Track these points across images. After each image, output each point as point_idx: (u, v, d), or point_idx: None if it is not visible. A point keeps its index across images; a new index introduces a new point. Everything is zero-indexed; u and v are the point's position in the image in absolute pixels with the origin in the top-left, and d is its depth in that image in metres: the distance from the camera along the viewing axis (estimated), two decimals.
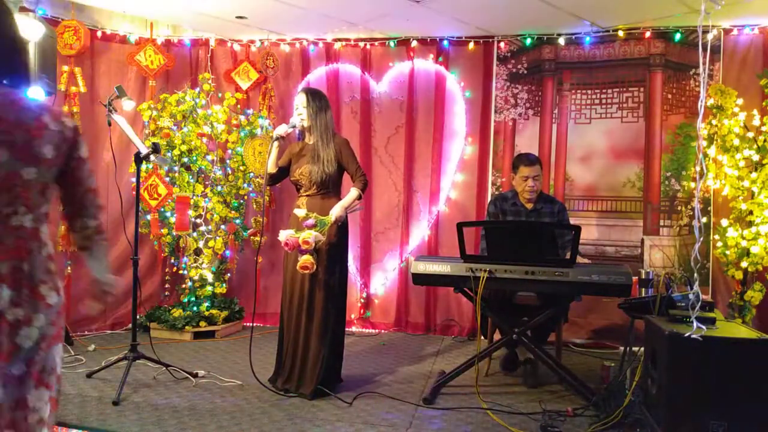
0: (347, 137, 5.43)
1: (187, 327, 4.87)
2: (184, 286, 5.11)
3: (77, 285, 4.96)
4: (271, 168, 3.76)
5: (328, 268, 3.57)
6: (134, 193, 3.95)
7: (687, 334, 2.63)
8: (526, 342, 3.63)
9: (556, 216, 4.07)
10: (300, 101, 3.69)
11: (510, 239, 3.63)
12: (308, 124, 3.66)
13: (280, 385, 3.65)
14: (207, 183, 5.06)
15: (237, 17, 4.93)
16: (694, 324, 2.67)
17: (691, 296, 2.75)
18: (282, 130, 3.69)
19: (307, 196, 3.66)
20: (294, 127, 3.70)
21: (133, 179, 4.12)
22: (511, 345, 3.89)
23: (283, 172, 3.78)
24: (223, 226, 5.07)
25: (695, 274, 2.70)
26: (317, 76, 5.54)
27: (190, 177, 4.92)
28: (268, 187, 4.75)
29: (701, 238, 2.72)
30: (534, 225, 3.99)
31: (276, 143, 3.69)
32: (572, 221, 4.34)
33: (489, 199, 5.20)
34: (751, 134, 4.25)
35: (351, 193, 3.62)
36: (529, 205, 4.07)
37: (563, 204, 4.27)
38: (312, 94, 3.72)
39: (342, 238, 3.67)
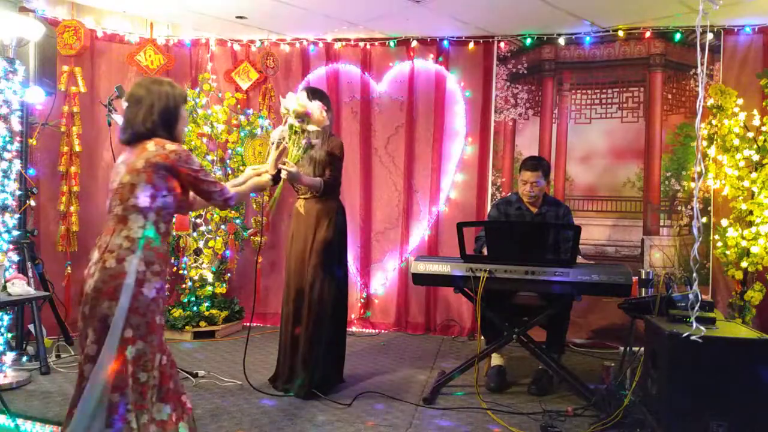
0: (347, 137, 5.45)
1: (187, 327, 4.87)
2: (184, 286, 5.11)
3: (77, 285, 4.96)
4: (272, 170, 3.71)
5: (328, 269, 3.57)
6: None
7: (686, 335, 2.63)
8: (526, 342, 3.63)
9: (561, 219, 4.04)
10: (301, 102, 3.65)
11: (510, 239, 3.63)
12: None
13: (280, 385, 3.65)
14: None
15: (237, 17, 4.93)
16: (694, 324, 2.67)
17: (690, 296, 2.75)
18: (278, 133, 3.56)
19: (304, 198, 3.64)
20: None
21: None
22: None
23: None
24: (223, 226, 5.07)
25: (694, 274, 2.70)
26: (317, 76, 5.54)
27: None
28: (267, 187, 4.72)
29: (700, 239, 2.72)
30: (534, 225, 3.98)
31: (274, 146, 3.60)
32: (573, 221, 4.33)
33: (489, 199, 5.21)
34: (751, 134, 4.25)
35: (315, 179, 3.55)
36: (534, 209, 4.04)
37: (568, 207, 4.25)
38: (312, 93, 3.63)
39: (341, 238, 3.66)
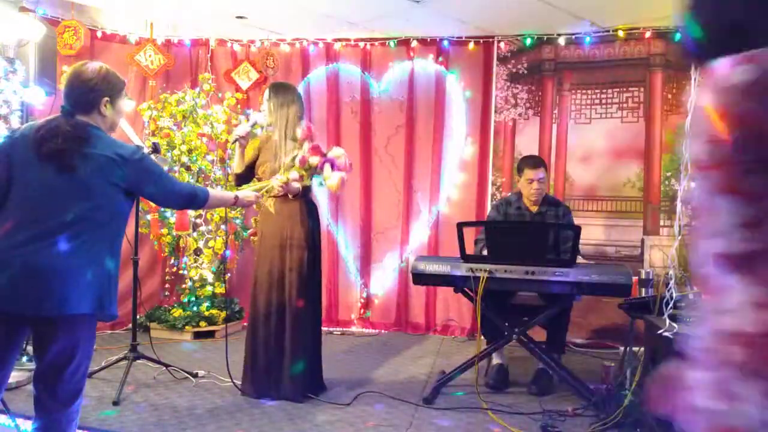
0: (347, 137, 5.44)
1: (187, 327, 4.87)
2: (184, 286, 5.11)
3: None
4: (238, 169, 3.57)
5: (302, 272, 3.44)
6: None
7: (659, 332, 2.64)
8: (526, 342, 3.63)
9: (561, 219, 4.04)
10: (264, 97, 3.56)
11: (510, 239, 3.63)
12: (270, 120, 3.48)
13: (253, 393, 3.48)
14: (207, 183, 5.06)
15: (237, 17, 4.93)
16: (667, 322, 2.68)
17: (666, 294, 2.78)
18: (241, 129, 3.47)
19: (272, 197, 3.45)
20: (255, 124, 3.53)
21: None
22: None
23: (252, 170, 3.57)
24: (223, 226, 5.07)
25: (670, 272, 2.73)
26: (317, 76, 5.54)
27: (190, 177, 4.92)
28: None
29: (680, 237, 2.75)
30: (534, 225, 3.98)
31: (237, 144, 3.48)
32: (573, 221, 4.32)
33: (489, 199, 5.21)
34: None
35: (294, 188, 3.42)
36: (534, 208, 4.03)
37: (568, 207, 4.25)
38: (275, 88, 3.54)
39: (314, 237, 3.54)
